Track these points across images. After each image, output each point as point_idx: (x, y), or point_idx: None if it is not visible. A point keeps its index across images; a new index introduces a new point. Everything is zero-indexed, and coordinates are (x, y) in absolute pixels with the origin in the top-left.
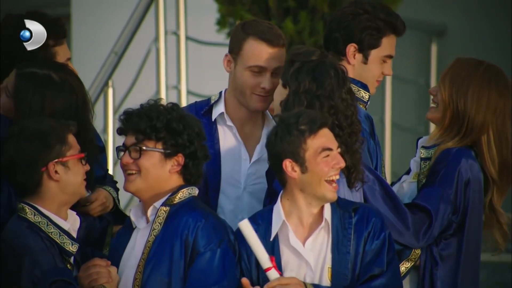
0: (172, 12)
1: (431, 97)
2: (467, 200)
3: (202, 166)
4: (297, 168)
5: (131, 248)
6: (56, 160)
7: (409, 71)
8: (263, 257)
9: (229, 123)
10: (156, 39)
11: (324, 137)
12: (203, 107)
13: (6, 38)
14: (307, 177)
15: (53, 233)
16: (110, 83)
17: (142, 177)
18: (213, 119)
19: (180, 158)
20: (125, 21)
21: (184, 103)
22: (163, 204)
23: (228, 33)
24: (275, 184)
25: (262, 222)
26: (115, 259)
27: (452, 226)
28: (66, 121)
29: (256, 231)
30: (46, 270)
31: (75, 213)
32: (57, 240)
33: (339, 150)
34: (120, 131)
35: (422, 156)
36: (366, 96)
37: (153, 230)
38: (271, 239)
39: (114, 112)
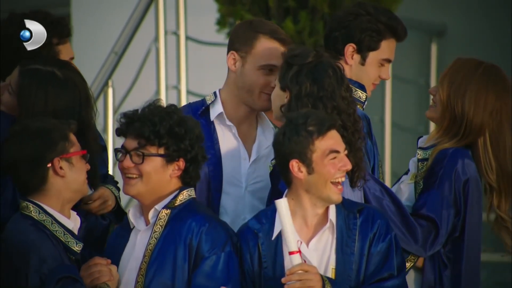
0: (172, 12)
1: (431, 97)
2: (465, 199)
3: (201, 168)
4: (303, 169)
5: (131, 249)
6: (61, 156)
7: (409, 71)
8: (292, 240)
9: (229, 122)
10: (156, 39)
11: (332, 139)
12: (199, 108)
13: (9, 36)
14: (313, 178)
15: (57, 232)
16: (110, 83)
17: (143, 182)
18: (211, 119)
19: (181, 163)
20: (125, 21)
21: (184, 103)
22: (165, 207)
23: (228, 33)
24: (281, 185)
25: (266, 221)
26: (114, 258)
27: (457, 228)
28: (67, 120)
29: (260, 230)
30: (53, 267)
31: (75, 213)
32: (61, 239)
33: (345, 152)
34: (119, 133)
35: (419, 157)
36: (363, 97)
37: (154, 232)
38: (273, 239)
39: (114, 112)
